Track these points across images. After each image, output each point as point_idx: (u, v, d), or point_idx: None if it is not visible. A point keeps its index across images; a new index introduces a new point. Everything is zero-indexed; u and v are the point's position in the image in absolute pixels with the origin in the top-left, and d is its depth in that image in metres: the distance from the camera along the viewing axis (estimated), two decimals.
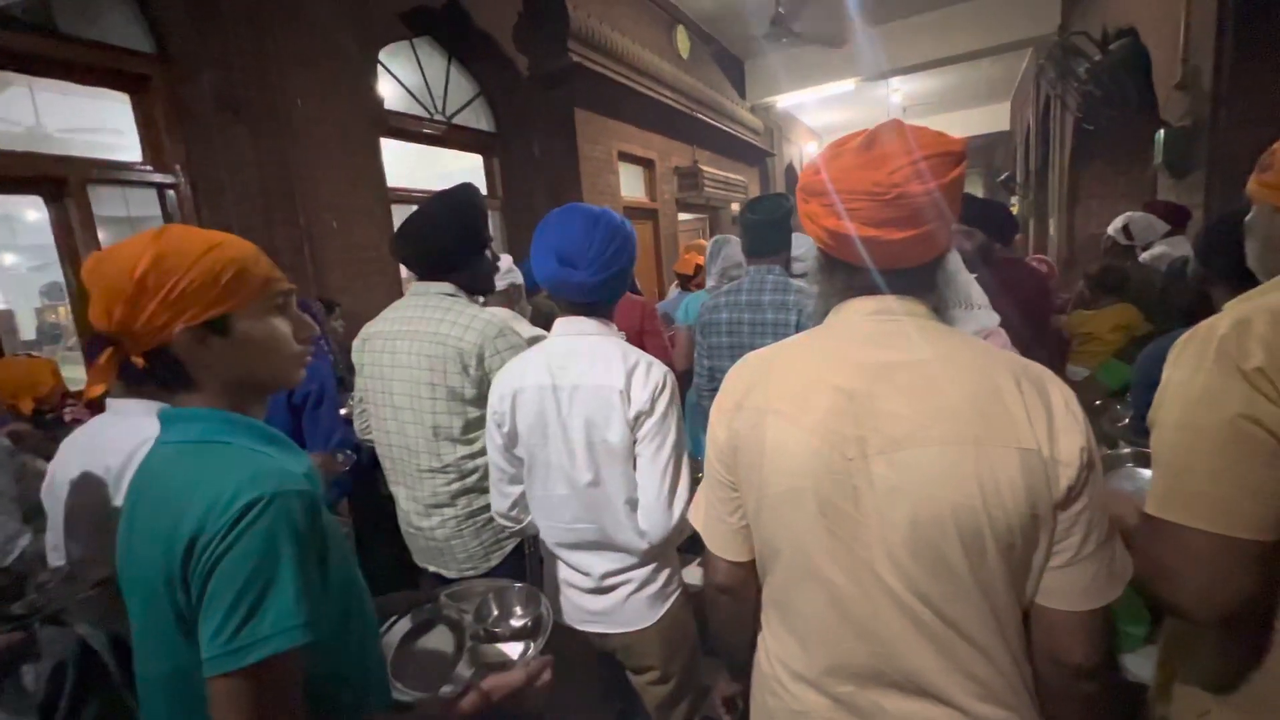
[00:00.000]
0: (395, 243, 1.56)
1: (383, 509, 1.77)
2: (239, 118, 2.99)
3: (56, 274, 2.76)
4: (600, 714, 1.58)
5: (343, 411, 2.10)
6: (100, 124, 2.97)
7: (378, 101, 3.85)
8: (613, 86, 5.26)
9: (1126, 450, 1.53)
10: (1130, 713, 0.98)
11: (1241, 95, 2.92)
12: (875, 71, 7.50)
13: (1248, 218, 0.91)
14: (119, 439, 1.24)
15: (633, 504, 1.25)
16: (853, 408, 0.73)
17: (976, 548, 0.69)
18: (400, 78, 4.22)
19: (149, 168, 2.88)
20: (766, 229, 1.94)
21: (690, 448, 1.31)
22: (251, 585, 0.63)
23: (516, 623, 1.15)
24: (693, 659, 1.39)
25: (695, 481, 1.13)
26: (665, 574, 1.33)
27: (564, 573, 1.36)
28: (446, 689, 0.97)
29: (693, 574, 1.50)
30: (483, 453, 1.46)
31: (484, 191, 4.21)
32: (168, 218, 2.94)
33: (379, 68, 3.88)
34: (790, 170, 10.46)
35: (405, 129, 4.23)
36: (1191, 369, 0.72)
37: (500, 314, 1.67)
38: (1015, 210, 8.66)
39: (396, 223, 3.85)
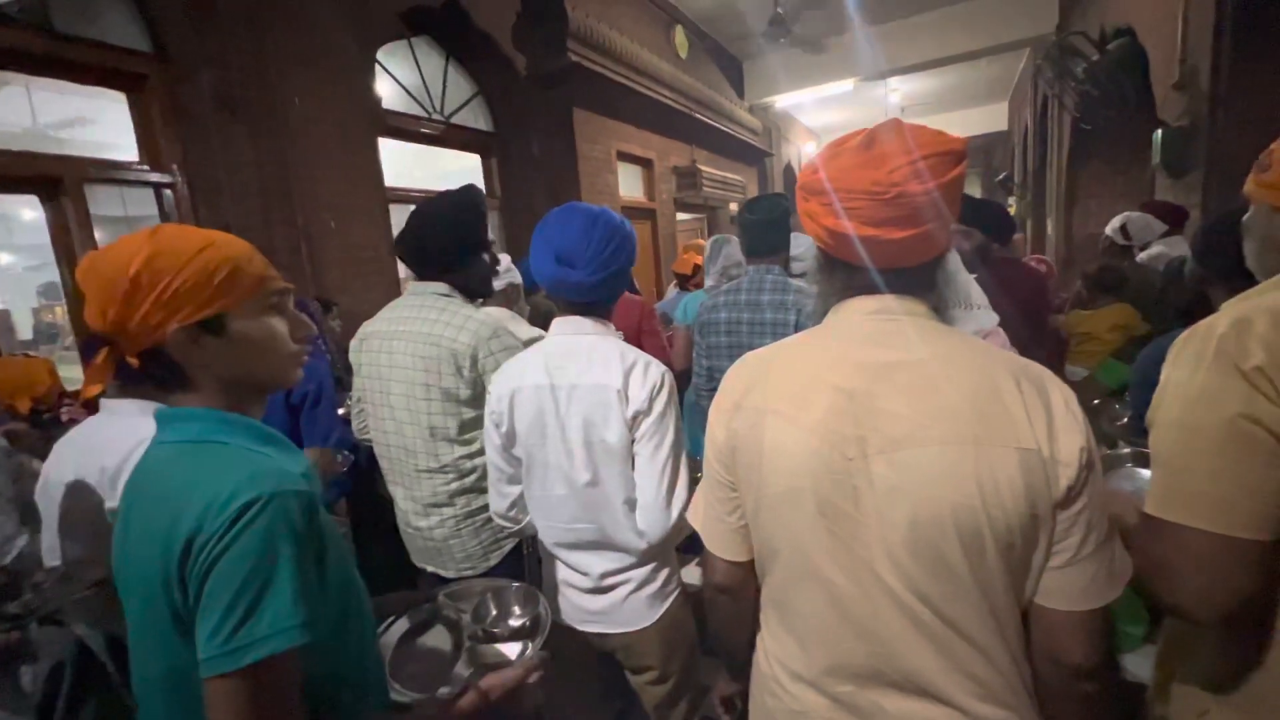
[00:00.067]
0: (397, 240, 1.57)
1: (381, 508, 1.77)
2: (237, 117, 2.98)
3: (53, 274, 2.75)
4: (599, 714, 1.58)
5: (340, 411, 2.10)
6: (97, 123, 2.96)
7: (376, 101, 3.85)
8: (611, 86, 5.25)
9: (1126, 450, 1.53)
10: (1129, 712, 0.98)
11: (1239, 95, 2.93)
12: (873, 71, 7.51)
13: (1245, 217, 0.91)
14: (114, 440, 1.24)
15: (631, 504, 1.25)
16: (852, 407, 0.73)
17: (976, 547, 0.69)
18: (398, 77, 4.21)
19: (146, 167, 2.87)
20: (765, 229, 1.94)
21: (689, 447, 1.31)
22: (249, 585, 0.63)
23: (515, 623, 1.15)
24: (691, 659, 1.39)
25: (694, 481, 1.13)
26: (664, 574, 1.33)
27: (563, 573, 1.36)
28: (444, 690, 0.97)
29: (691, 574, 1.50)
30: (481, 453, 1.46)
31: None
32: (165, 217, 2.93)
33: (377, 67, 3.88)
34: (788, 170, 10.46)
35: (403, 128, 4.22)
36: (1190, 368, 0.72)
37: (496, 314, 1.67)
38: (1013, 210, 8.68)
39: (395, 222, 3.86)
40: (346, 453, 2.07)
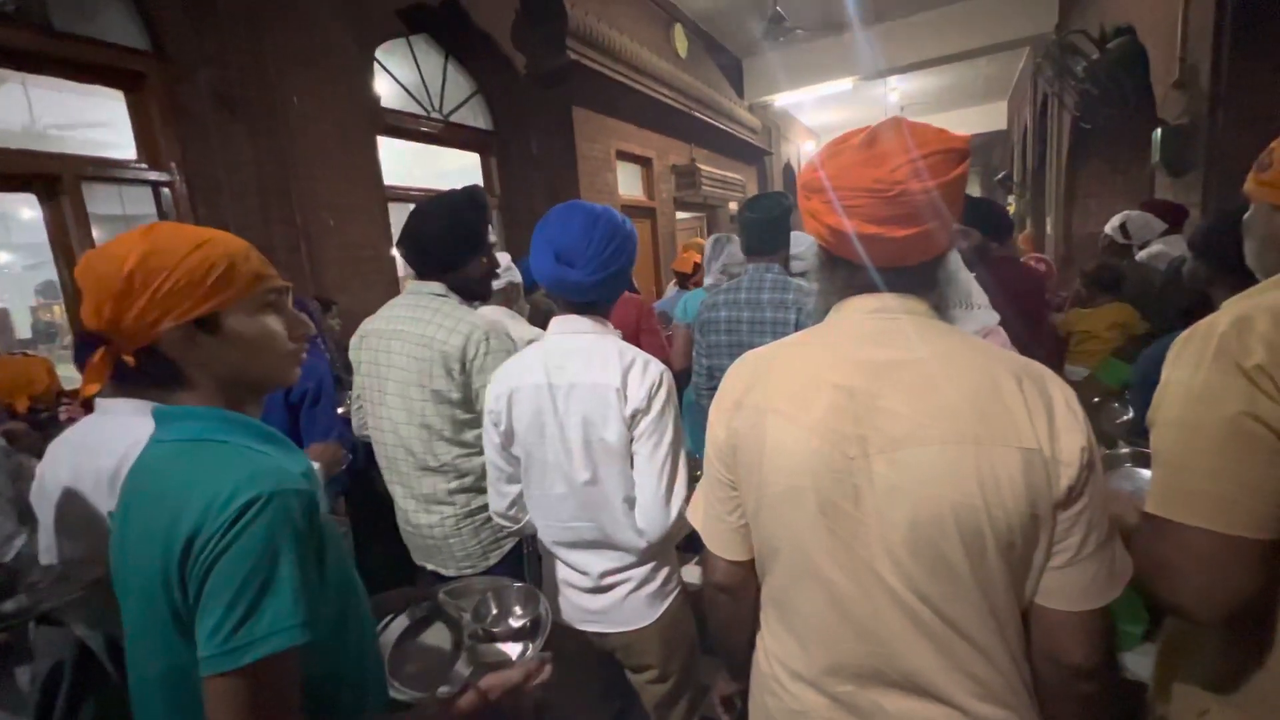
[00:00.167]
0: (399, 239, 1.56)
1: (380, 506, 1.77)
2: (235, 116, 2.98)
3: (51, 272, 2.74)
4: (599, 713, 1.58)
5: (340, 410, 2.10)
6: (95, 122, 2.95)
7: (375, 99, 3.84)
8: (611, 85, 5.25)
9: (1126, 450, 1.53)
10: (1130, 712, 0.98)
11: (1239, 94, 2.93)
12: (873, 70, 7.50)
13: (1246, 216, 0.91)
14: (111, 439, 1.23)
15: (630, 502, 1.25)
16: (853, 406, 0.73)
17: (976, 547, 0.69)
18: (397, 76, 4.20)
19: (144, 166, 2.86)
20: (765, 227, 1.94)
21: (688, 445, 1.31)
22: (249, 584, 0.62)
23: (515, 623, 1.14)
24: (691, 658, 1.39)
25: (694, 480, 1.13)
26: (664, 573, 1.32)
27: (562, 572, 1.36)
28: (444, 689, 0.97)
29: (691, 573, 1.50)
30: (480, 452, 1.45)
31: None
32: (163, 216, 2.92)
33: (376, 66, 3.87)
34: (788, 169, 10.46)
35: (402, 127, 4.22)
36: (1191, 367, 0.71)
37: (491, 315, 1.66)
38: (1012, 209, 8.68)
39: (393, 221, 3.85)
40: (345, 453, 2.07)
